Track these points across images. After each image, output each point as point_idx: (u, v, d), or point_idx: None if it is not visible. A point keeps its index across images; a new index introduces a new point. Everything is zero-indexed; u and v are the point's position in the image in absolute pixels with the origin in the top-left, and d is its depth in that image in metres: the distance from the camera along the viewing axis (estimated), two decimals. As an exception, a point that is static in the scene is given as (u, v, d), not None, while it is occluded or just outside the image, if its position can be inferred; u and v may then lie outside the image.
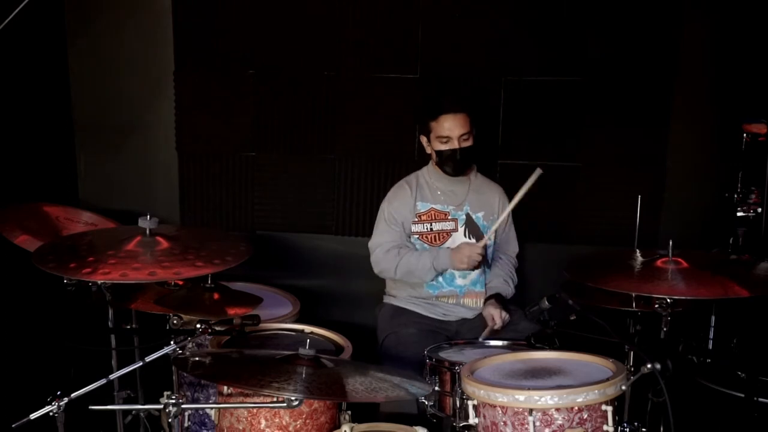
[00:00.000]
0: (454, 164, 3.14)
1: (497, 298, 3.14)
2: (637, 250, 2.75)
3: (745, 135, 3.15)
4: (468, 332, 3.08)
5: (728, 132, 3.30)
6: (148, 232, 2.53)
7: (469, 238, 3.18)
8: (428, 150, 3.22)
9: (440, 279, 3.17)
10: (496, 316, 3.04)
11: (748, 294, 2.39)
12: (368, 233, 3.56)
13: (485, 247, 3.06)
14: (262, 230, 3.89)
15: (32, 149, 3.63)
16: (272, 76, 3.76)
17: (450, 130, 3.09)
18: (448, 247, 3.13)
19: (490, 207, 3.24)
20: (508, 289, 3.22)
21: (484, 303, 3.16)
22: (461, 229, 3.19)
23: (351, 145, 3.76)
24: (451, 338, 3.03)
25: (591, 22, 3.53)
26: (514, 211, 3.32)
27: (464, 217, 3.19)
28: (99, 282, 2.51)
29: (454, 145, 3.10)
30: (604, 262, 2.78)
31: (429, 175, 3.25)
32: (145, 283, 2.73)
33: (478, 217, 3.21)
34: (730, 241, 3.10)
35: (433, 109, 3.16)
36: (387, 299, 3.30)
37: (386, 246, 3.15)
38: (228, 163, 3.86)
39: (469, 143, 3.12)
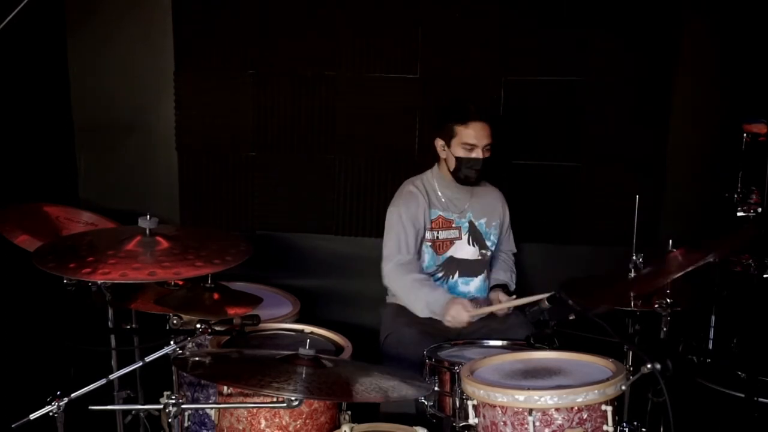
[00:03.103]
0: (475, 173, 3.07)
1: (504, 289, 3.17)
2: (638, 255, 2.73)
3: (745, 135, 3.15)
4: (470, 335, 3.08)
5: (728, 132, 3.30)
6: (148, 232, 2.53)
7: (473, 246, 3.17)
8: (443, 155, 3.13)
9: (443, 285, 3.17)
10: (505, 304, 3.02)
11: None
12: (368, 233, 3.57)
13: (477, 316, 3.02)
14: (262, 230, 3.89)
15: (32, 149, 3.63)
16: (272, 76, 3.76)
17: (477, 139, 3.02)
18: (449, 295, 3.04)
19: (492, 213, 3.23)
20: (512, 285, 3.26)
21: (491, 289, 3.18)
22: (465, 237, 3.19)
23: (351, 145, 3.77)
24: (452, 339, 3.03)
25: (591, 21, 3.53)
26: (513, 212, 3.33)
27: (467, 224, 3.19)
28: (99, 282, 2.51)
29: (479, 154, 3.03)
30: (606, 282, 2.75)
31: (434, 181, 3.21)
32: (145, 283, 2.73)
33: (481, 224, 3.20)
34: (730, 241, 3.10)
35: (460, 113, 3.07)
36: (390, 299, 3.29)
37: (399, 259, 3.07)
38: (228, 163, 3.87)
39: (489, 154, 3.07)
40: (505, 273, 3.27)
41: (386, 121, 3.71)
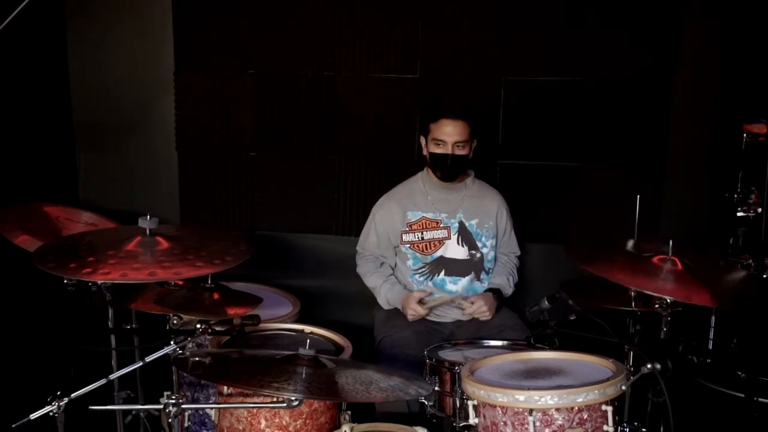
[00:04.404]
0: (444, 170, 3.14)
1: (496, 295, 3.16)
2: (630, 241, 2.73)
3: (745, 135, 3.14)
4: (463, 334, 3.08)
5: (728, 132, 3.30)
6: (148, 232, 2.53)
7: (462, 246, 3.18)
8: (424, 152, 3.22)
9: (431, 284, 3.19)
10: (477, 306, 3.07)
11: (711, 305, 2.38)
12: (368, 233, 3.56)
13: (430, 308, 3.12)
14: (262, 230, 3.89)
15: (32, 149, 3.63)
16: (272, 76, 3.76)
17: (446, 135, 3.09)
18: (404, 292, 3.17)
19: (486, 214, 3.23)
20: (508, 289, 3.24)
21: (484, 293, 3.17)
22: (454, 237, 3.19)
23: (351, 145, 3.77)
24: (445, 339, 3.03)
25: (591, 21, 3.52)
26: (513, 213, 3.33)
27: (457, 225, 3.19)
28: (99, 282, 2.50)
29: (447, 150, 3.09)
30: (605, 248, 2.75)
31: (423, 181, 3.26)
32: (145, 283, 2.73)
33: (472, 224, 3.20)
34: (730, 241, 3.10)
35: (434, 111, 3.16)
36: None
37: (366, 254, 3.32)
38: (228, 163, 3.87)
39: (463, 152, 3.11)
40: (500, 277, 3.25)
41: (386, 121, 3.71)
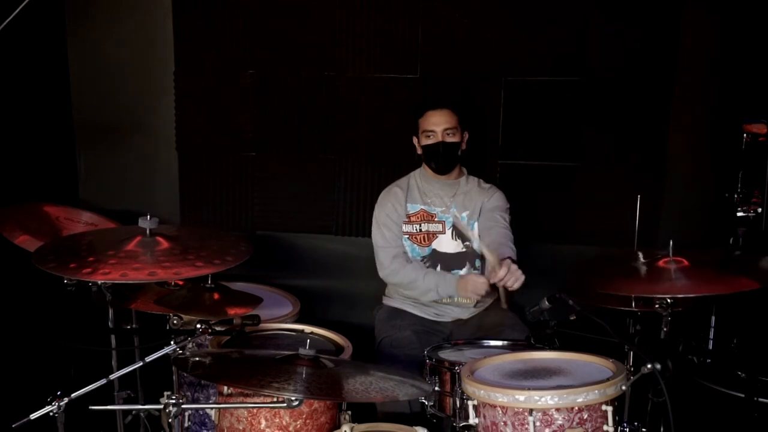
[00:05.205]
0: (437, 158, 3.18)
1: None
2: (639, 253, 2.70)
3: (745, 135, 3.15)
4: (463, 333, 3.08)
5: (728, 132, 3.30)
6: (148, 232, 2.53)
7: (456, 240, 3.19)
8: (419, 150, 3.25)
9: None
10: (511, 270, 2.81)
11: (758, 286, 2.33)
12: (368, 233, 3.56)
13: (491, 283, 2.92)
14: (262, 230, 3.89)
15: (32, 149, 3.64)
16: (272, 76, 3.76)
17: (434, 125, 3.15)
18: (455, 274, 3.11)
19: (474, 205, 3.23)
20: (511, 253, 3.05)
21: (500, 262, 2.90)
22: (448, 232, 3.20)
23: (351, 145, 3.77)
24: (446, 339, 3.03)
25: (591, 21, 3.52)
26: (513, 213, 3.33)
27: (451, 219, 3.21)
28: (99, 282, 2.51)
29: (438, 138, 3.14)
30: (605, 266, 2.74)
31: (420, 177, 3.29)
32: (145, 283, 2.73)
33: (464, 216, 3.22)
34: (730, 241, 3.10)
35: (420, 107, 3.23)
36: (385, 300, 3.31)
37: (392, 251, 3.17)
38: (228, 163, 3.87)
39: (454, 139, 3.15)
40: (501, 247, 3.05)
41: (386, 121, 3.72)
